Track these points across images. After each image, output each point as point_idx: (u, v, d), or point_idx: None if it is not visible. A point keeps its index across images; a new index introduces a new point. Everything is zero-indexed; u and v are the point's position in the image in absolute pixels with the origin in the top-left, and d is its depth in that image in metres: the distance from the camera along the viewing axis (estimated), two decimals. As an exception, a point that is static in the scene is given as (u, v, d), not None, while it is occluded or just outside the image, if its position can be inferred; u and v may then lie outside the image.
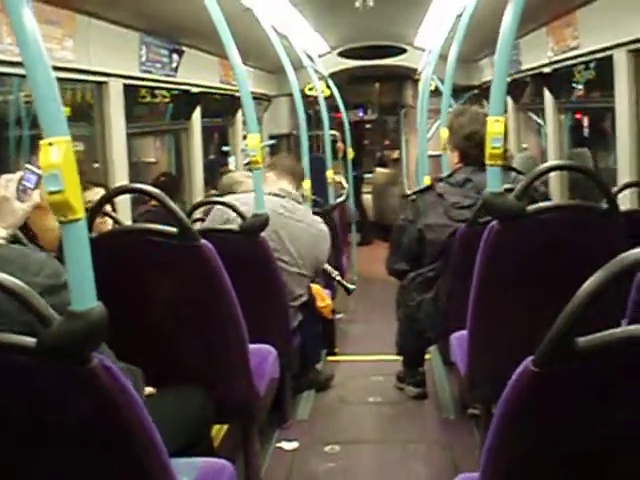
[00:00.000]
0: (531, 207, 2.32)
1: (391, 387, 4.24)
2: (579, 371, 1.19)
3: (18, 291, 1.29)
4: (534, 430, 1.26)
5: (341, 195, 7.64)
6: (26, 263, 1.51)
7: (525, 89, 6.19)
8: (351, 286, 5.16)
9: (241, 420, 2.81)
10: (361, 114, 11.24)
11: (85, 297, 1.30)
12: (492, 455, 1.34)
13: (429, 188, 3.54)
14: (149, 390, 2.29)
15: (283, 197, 3.65)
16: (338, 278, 4.91)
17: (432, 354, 4.51)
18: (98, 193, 2.80)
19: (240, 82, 3.10)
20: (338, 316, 5.57)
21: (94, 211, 2.30)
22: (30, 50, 1.24)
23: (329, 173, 6.32)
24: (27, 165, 1.94)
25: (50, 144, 1.24)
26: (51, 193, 1.24)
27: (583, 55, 4.30)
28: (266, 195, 3.28)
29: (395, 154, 10.96)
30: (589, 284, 1.14)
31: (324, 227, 3.78)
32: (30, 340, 1.31)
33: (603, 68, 4.66)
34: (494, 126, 2.22)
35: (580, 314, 1.15)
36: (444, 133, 3.74)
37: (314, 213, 5.10)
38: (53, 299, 1.40)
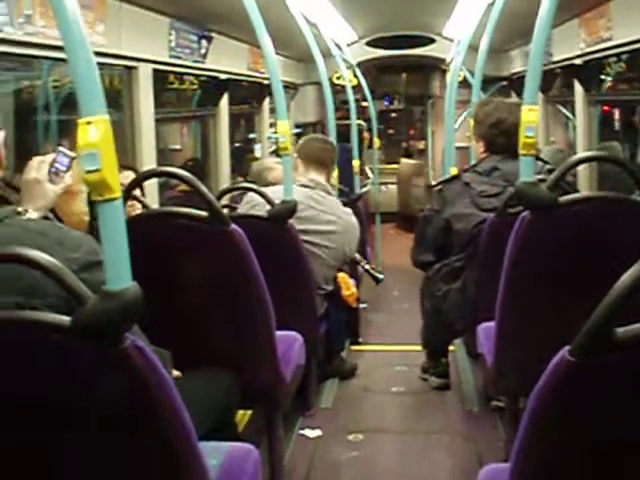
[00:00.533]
0: (564, 198, 2.30)
1: (415, 377, 4.24)
2: (617, 362, 1.18)
3: (52, 269, 1.29)
4: (569, 420, 1.25)
5: (366, 185, 7.63)
6: (63, 238, 1.51)
7: (554, 81, 6.12)
8: (380, 275, 5.14)
9: (266, 405, 2.81)
10: (387, 103, 11.19)
11: (120, 276, 1.30)
12: (524, 445, 1.33)
13: (455, 178, 3.51)
14: (175, 374, 2.29)
15: (313, 188, 3.58)
16: (367, 267, 4.90)
17: (456, 345, 4.50)
18: (128, 177, 2.80)
19: (271, 69, 3.10)
20: (362, 306, 5.56)
21: (125, 194, 2.30)
22: (71, 29, 1.24)
23: (355, 162, 6.31)
24: (59, 147, 1.95)
25: (88, 123, 1.24)
26: (89, 172, 1.24)
27: (616, 47, 4.24)
28: (295, 186, 3.27)
29: (421, 145, 10.93)
30: (630, 274, 1.13)
31: (354, 220, 3.71)
32: (65, 319, 1.31)
33: (635, 60, 4.61)
34: (528, 115, 2.20)
35: (619, 305, 1.13)
36: (472, 124, 3.72)
37: (340, 202, 5.10)
38: (90, 276, 1.40)
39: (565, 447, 1.28)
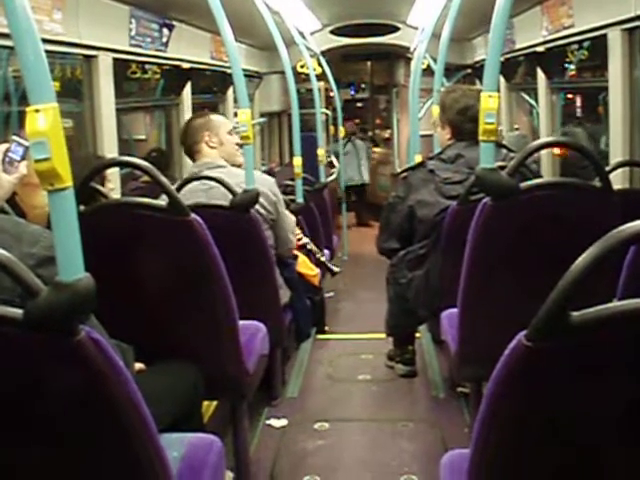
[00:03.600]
0: (524, 184, 2.31)
1: (381, 365, 4.25)
2: (573, 346, 1.18)
3: (4, 261, 1.26)
4: (526, 405, 1.25)
5: (332, 174, 7.64)
6: (21, 233, 1.48)
7: (518, 69, 6.15)
8: (335, 268, 5.16)
9: (230, 396, 2.80)
10: (352, 92, 11.19)
11: (72, 267, 1.28)
12: (483, 430, 1.33)
13: (420, 165, 3.52)
14: (138, 366, 2.27)
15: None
16: (323, 259, 4.90)
17: (422, 332, 4.52)
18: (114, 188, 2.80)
19: (231, 57, 3.07)
20: (328, 295, 5.57)
21: (83, 184, 2.26)
22: (17, 14, 1.20)
23: (320, 151, 6.31)
24: (13, 136, 1.91)
25: (37, 111, 1.21)
26: (38, 161, 1.22)
27: (577, 34, 4.27)
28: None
29: (386, 133, 10.95)
30: (584, 257, 1.13)
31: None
32: (17, 311, 1.28)
33: (597, 47, 4.64)
34: (488, 101, 2.20)
35: (575, 288, 1.13)
36: (436, 111, 3.72)
37: (305, 191, 5.10)
38: (48, 272, 1.38)
39: (523, 430, 1.28)
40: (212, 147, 3.41)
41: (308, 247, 4.60)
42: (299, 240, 4.10)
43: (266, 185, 3.37)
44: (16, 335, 1.30)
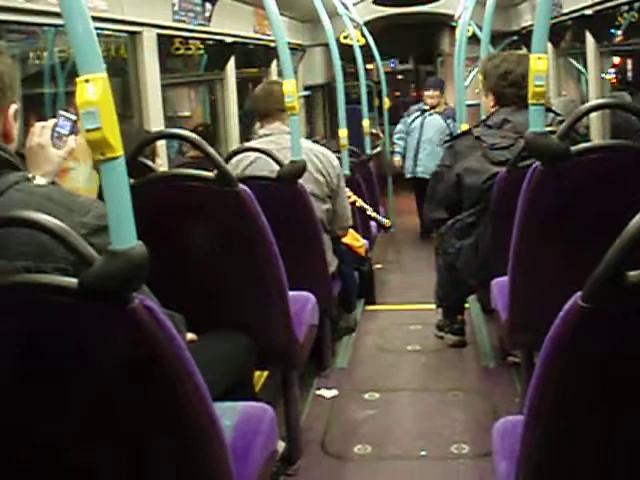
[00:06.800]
0: (575, 147, 2.26)
1: (430, 336, 4.24)
2: (629, 305, 1.16)
3: (58, 231, 1.28)
4: (582, 366, 1.24)
5: (377, 146, 7.59)
6: (71, 203, 1.50)
7: (565, 33, 6.02)
8: (387, 222, 5.13)
9: (281, 366, 2.82)
10: (392, 66, 11.04)
11: (125, 236, 1.28)
12: (538, 393, 1.32)
13: (466, 133, 3.48)
14: (190, 336, 2.29)
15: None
16: (374, 215, 4.90)
17: (471, 302, 4.49)
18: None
19: (275, 27, 3.06)
20: (377, 267, 5.56)
21: (132, 158, 2.28)
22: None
23: (365, 122, 6.27)
24: (60, 111, 1.93)
25: (87, 81, 1.22)
26: (89, 131, 1.23)
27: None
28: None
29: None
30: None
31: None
32: (72, 281, 1.30)
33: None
34: (537, 63, 2.15)
35: (631, 247, 1.11)
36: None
37: (351, 163, 5.09)
38: (100, 240, 1.39)
39: (577, 392, 1.27)
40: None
41: (357, 204, 4.59)
42: (348, 198, 4.08)
43: (332, 157, 3.46)
44: (71, 304, 1.32)
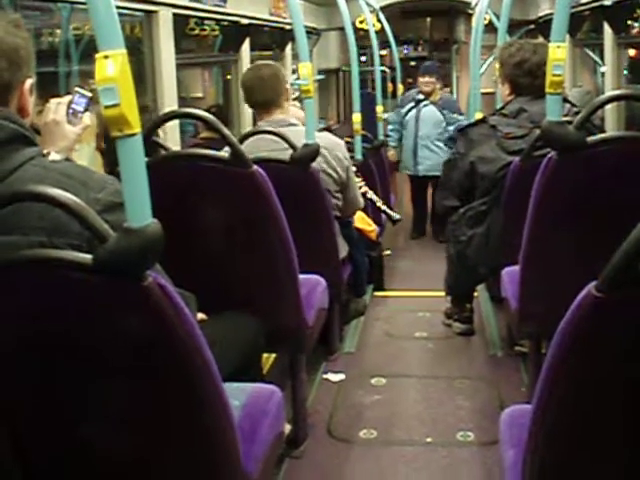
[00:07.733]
0: (592, 138, 2.25)
1: (438, 323, 4.25)
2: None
3: (73, 207, 1.28)
4: (594, 355, 1.23)
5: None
6: (87, 179, 1.50)
7: (582, 24, 5.98)
8: (396, 215, 5.12)
9: (289, 349, 2.83)
10: (406, 52, 10.96)
11: (141, 213, 1.29)
12: (548, 383, 1.32)
13: (481, 121, 3.47)
14: (200, 316, 2.30)
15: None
16: (383, 207, 4.89)
17: (480, 291, 4.49)
18: None
19: (293, 11, 3.05)
20: (386, 253, 5.56)
21: (147, 135, 2.28)
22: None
23: (379, 108, 6.25)
24: (76, 88, 1.93)
25: (106, 57, 1.22)
26: (107, 107, 1.23)
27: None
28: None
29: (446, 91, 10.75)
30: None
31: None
32: (87, 257, 1.30)
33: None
34: (556, 52, 2.14)
35: (647, 238, 1.11)
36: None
37: (364, 148, 5.08)
38: (114, 217, 1.39)
39: (589, 383, 1.27)
40: (287, 102, 3.23)
41: (368, 195, 4.59)
42: (360, 188, 4.05)
43: (338, 149, 3.34)
44: (85, 280, 1.32)
